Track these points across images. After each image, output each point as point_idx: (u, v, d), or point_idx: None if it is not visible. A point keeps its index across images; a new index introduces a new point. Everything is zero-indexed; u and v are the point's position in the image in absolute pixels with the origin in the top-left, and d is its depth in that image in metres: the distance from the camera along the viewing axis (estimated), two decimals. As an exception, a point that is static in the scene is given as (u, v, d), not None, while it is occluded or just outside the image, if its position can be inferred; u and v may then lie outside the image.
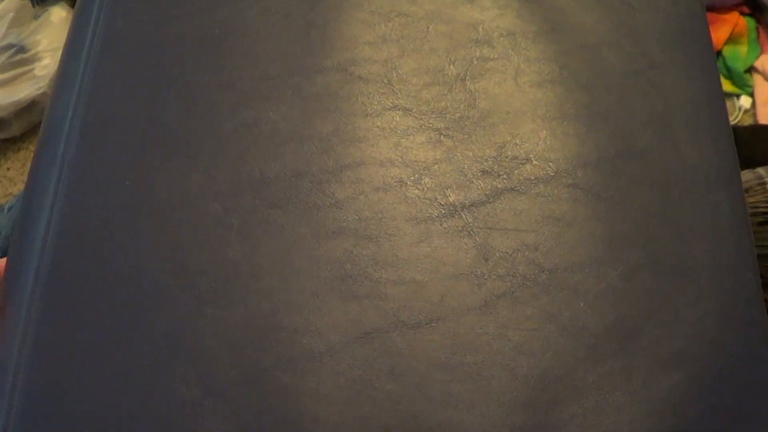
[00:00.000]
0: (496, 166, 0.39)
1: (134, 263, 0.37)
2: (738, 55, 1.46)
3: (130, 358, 0.35)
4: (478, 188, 0.39)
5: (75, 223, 0.38)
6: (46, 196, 0.40)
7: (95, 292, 0.37)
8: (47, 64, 0.95)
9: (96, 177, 0.39)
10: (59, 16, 0.95)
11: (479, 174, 0.39)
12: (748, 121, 1.43)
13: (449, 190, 0.39)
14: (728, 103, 1.45)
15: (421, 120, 0.40)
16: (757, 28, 1.51)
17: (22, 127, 1.07)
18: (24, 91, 0.94)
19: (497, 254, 0.38)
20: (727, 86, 1.45)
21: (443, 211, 0.38)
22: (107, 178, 0.39)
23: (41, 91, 0.95)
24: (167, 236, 0.38)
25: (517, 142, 0.40)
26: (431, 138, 0.40)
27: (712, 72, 0.43)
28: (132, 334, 0.36)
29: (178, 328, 0.36)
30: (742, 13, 1.49)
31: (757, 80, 1.46)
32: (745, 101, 1.45)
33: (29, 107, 0.94)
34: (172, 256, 0.37)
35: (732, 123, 1.41)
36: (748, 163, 0.71)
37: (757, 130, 1.21)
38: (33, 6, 0.98)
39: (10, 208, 0.97)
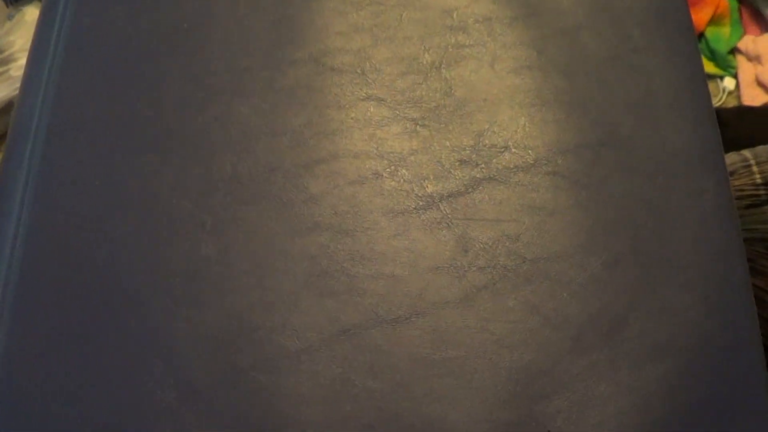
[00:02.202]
0: (474, 155, 0.38)
1: (106, 265, 0.36)
2: (721, 36, 1.46)
3: (103, 362, 0.34)
4: (456, 178, 0.38)
5: (44, 226, 0.37)
6: (14, 200, 0.39)
7: (66, 296, 0.36)
8: (23, 64, 0.93)
9: (64, 179, 0.38)
10: (33, 15, 0.93)
11: (457, 164, 0.38)
12: (732, 103, 1.43)
13: (426, 181, 0.38)
14: (712, 85, 1.44)
15: (396, 110, 0.39)
16: (739, 9, 1.50)
17: (1, 128, 1.06)
18: (1, 92, 0.92)
19: (477, 245, 0.37)
20: (710, 68, 1.45)
21: (421, 203, 0.37)
22: (76, 179, 0.38)
23: (18, 91, 0.93)
24: (139, 236, 0.37)
25: (495, 130, 0.39)
26: (407, 128, 0.39)
27: (694, 55, 0.42)
28: (105, 337, 0.35)
29: (152, 329, 0.35)
30: (724, -6, 1.49)
31: (741, 61, 1.45)
32: (729, 83, 1.44)
33: (6, 108, 0.93)
34: (144, 257, 0.36)
35: (716, 105, 1.40)
36: (733, 145, 0.70)
37: (742, 111, 1.20)
38: (6, 6, 0.96)
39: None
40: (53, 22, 0.43)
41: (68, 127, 0.39)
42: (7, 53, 0.93)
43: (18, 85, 0.99)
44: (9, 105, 0.91)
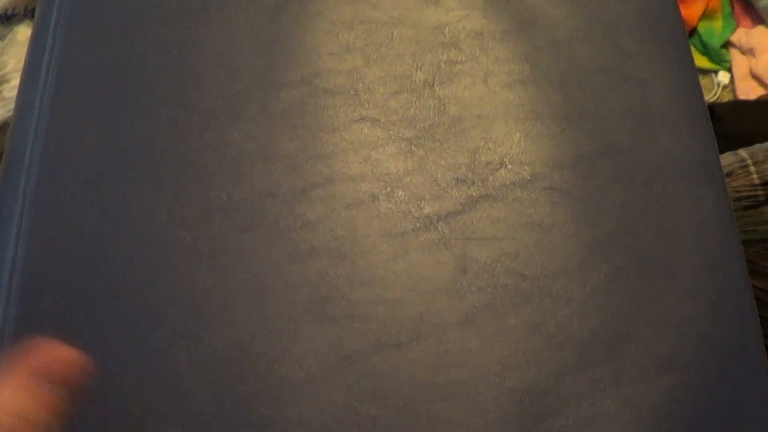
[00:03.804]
0: (470, 174, 0.38)
1: (103, 296, 0.36)
2: (713, 30, 1.45)
3: (105, 401, 0.34)
4: (452, 198, 0.38)
5: (41, 256, 0.37)
6: (10, 232, 0.38)
7: (64, 328, 0.36)
8: (16, 85, 0.93)
9: (60, 209, 0.38)
10: (25, 35, 0.93)
11: (453, 183, 0.38)
12: (727, 97, 1.42)
13: (423, 201, 0.38)
14: (706, 80, 1.43)
15: (390, 130, 0.39)
16: (731, 2, 1.49)
17: (-3, 148, 1.05)
18: (-5, 113, 0.92)
19: (476, 265, 0.36)
20: (704, 63, 1.44)
21: (418, 224, 0.37)
22: (71, 209, 0.38)
23: (12, 113, 0.92)
24: (136, 267, 0.37)
25: (491, 146, 0.39)
26: (402, 148, 0.39)
27: (687, 60, 0.42)
28: (105, 371, 0.35)
29: (152, 364, 0.35)
30: (715, -12, 1.48)
31: (735, 55, 1.45)
32: (723, 77, 1.43)
33: (1, 129, 0.92)
34: (142, 288, 0.36)
35: (711, 100, 1.40)
36: (729, 140, 0.70)
37: (738, 106, 1.19)
38: (-2, 26, 0.96)
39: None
40: (44, 48, 0.43)
41: (62, 155, 0.39)
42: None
43: (11, 106, 0.99)
44: (4, 125, 0.91)
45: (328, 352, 0.35)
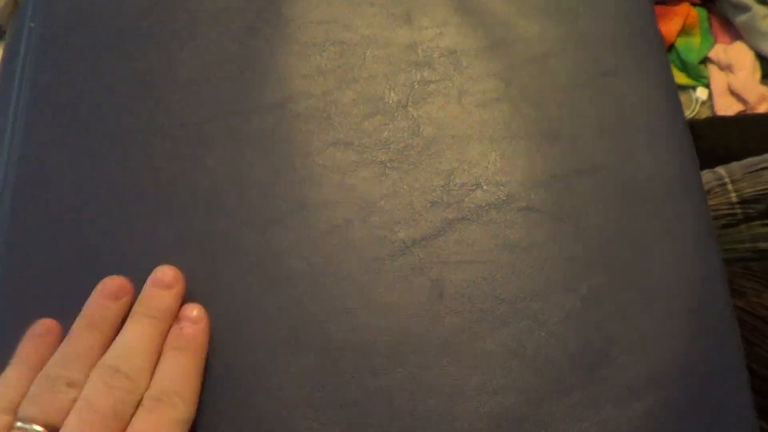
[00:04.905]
0: (445, 196, 0.38)
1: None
2: (691, 46, 1.44)
3: None
4: (427, 221, 0.37)
5: (16, 292, 0.37)
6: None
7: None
8: None
9: (31, 243, 0.38)
10: None
11: (428, 206, 0.38)
12: (706, 113, 1.42)
13: (398, 226, 0.37)
14: (685, 96, 1.43)
15: (363, 154, 0.39)
16: (708, 18, 1.49)
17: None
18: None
19: (452, 289, 0.36)
20: (682, 79, 1.44)
21: (393, 249, 0.37)
22: (44, 244, 0.37)
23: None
24: (111, 299, 0.36)
25: (465, 167, 0.38)
26: (376, 172, 0.38)
27: (665, 74, 0.41)
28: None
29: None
30: (693, 4, 1.47)
31: (713, 71, 1.44)
32: (701, 93, 1.43)
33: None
34: (118, 319, 0.36)
35: (690, 116, 1.39)
36: (708, 157, 0.69)
37: (716, 122, 1.18)
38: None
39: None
40: (12, 77, 0.42)
41: (34, 186, 0.39)
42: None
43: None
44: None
45: (304, 383, 0.34)
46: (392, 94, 0.40)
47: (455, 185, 0.38)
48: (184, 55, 0.41)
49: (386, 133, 0.39)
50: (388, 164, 0.38)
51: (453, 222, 0.37)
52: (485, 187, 0.38)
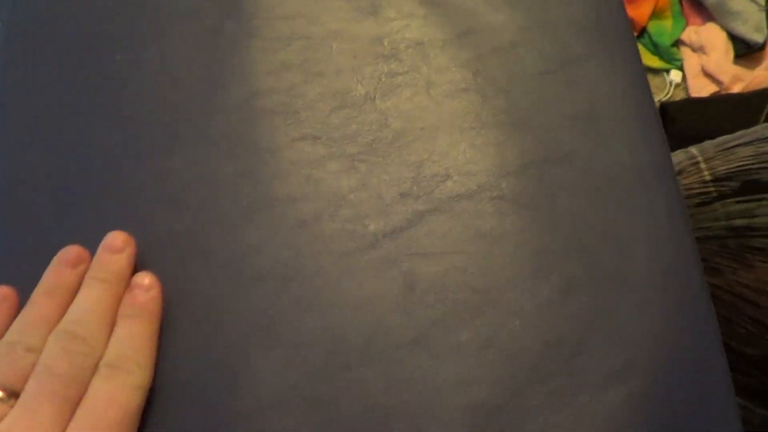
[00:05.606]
0: (414, 188, 0.37)
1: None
2: (663, 29, 1.45)
3: None
4: (398, 213, 0.37)
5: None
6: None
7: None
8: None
9: (3, 246, 0.37)
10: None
11: (398, 198, 0.37)
12: (680, 96, 1.42)
13: (368, 219, 0.37)
14: (659, 79, 1.43)
15: (331, 147, 0.38)
16: (680, 1, 1.50)
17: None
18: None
19: (424, 281, 0.36)
20: (655, 62, 1.44)
21: (364, 243, 0.36)
22: (11, 244, 0.37)
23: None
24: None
25: (435, 158, 0.38)
26: (344, 165, 0.38)
27: (635, 60, 0.41)
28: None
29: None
30: (664, -13, 1.48)
31: (686, 53, 1.45)
32: (675, 75, 1.44)
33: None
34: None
35: (664, 99, 1.39)
36: (682, 139, 0.69)
37: (689, 104, 1.19)
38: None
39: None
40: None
41: (3, 187, 0.38)
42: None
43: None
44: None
45: (276, 380, 0.34)
46: (359, 87, 0.40)
47: (425, 177, 0.38)
48: (150, 56, 0.40)
49: (354, 126, 0.39)
50: (357, 157, 0.38)
51: (424, 214, 0.37)
52: (455, 178, 0.38)
